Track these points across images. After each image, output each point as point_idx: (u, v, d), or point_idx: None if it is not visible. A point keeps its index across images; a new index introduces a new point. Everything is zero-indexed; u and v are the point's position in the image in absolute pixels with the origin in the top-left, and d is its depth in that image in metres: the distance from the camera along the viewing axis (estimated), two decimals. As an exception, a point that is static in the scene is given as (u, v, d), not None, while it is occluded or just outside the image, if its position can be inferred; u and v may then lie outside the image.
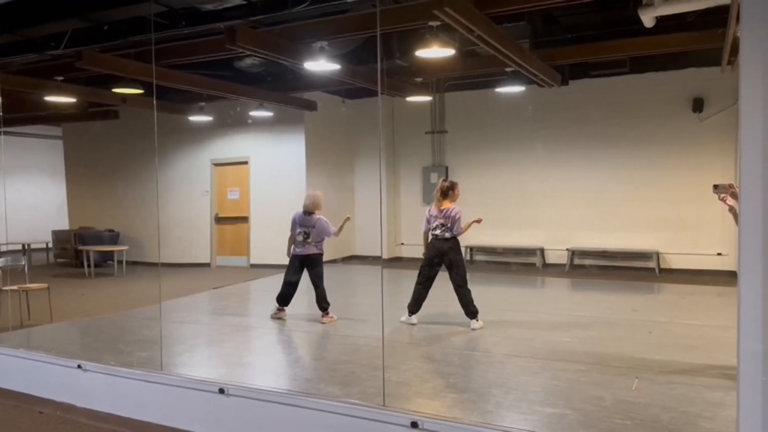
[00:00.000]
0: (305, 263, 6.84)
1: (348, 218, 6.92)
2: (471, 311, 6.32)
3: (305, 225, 6.80)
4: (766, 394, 2.52)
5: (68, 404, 4.67)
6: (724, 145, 9.50)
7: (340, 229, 6.85)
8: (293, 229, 6.87)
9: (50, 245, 13.59)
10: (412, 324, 6.48)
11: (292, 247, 6.89)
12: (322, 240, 6.86)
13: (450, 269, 6.39)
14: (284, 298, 6.94)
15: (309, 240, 6.78)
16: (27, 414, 4.53)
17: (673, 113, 10.29)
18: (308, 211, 6.82)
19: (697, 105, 10.02)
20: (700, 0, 6.19)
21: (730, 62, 8.24)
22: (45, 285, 7.37)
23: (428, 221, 6.46)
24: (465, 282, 6.36)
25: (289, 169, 11.61)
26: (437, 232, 6.39)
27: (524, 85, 9.73)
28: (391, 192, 12.62)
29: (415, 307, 6.52)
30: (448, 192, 6.43)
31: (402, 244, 12.57)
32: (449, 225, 6.33)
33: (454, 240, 6.38)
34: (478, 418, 3.92)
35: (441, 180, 6.63)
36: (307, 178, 11.51)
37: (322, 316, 6.80)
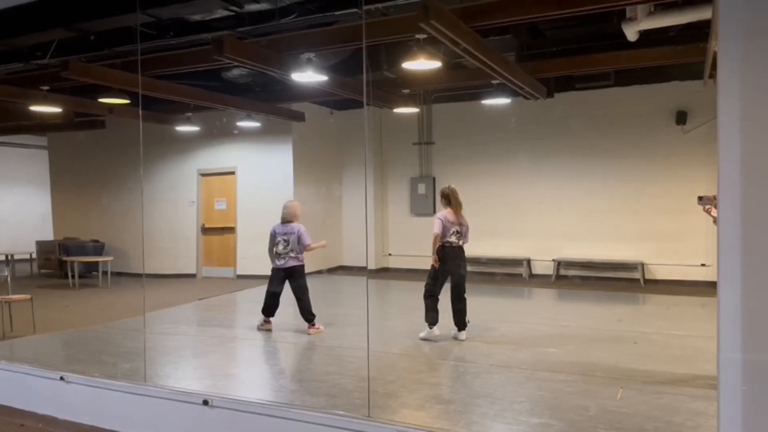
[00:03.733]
0: (287, 276, 6.84)
1: (324, 244, 6.88)
2: (464, 322, 6.33)
3: (285, 233, 6.82)
4: (746, 403, 2.55)
5: (50, 417, 4.61)
6: (707, 157, 9.61)
7: (315, 247, 6.86)
8: (272, 241, 6.89)
9: (34, 256, 13.44)
10: (436, 335, 6.33)
11: (274, 260, 6.90)
12: (302, 250, 6.86)
13: (460, 279, 6.30)
14: (269, 308, 6.92)
15: (288, 248, 6.78)
16: (8, 427, 4.46)
17: (657, 126, 10.42)
18: (287, 220, 6.86)
19: (681, 117, 10.16)
20: (682, 14, 6.30)
21: (712, 76, 8.36)
22: (28, 296, 7.30)
23: (445, 227, 6.21)
24: (464, 293, 6.38)
25: (276, 180, 11.59)
26: (452, 239, 6.25)
27: (510, 97, 9.81)
28: (378, 203, 12.64)
29: (435, 317, 6.35)
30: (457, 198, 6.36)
31: (390, 254, 12.57)
32: (464, 232, 6.34)
33: (463, 249, 6.37)
34: (463, 428, 3.92)
35: (450, 187, 6.44)
36: (295, 189, 11.49)
37: (309, 327, 6.78)
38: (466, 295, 6.34)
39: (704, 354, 5.53)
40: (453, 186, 6.43)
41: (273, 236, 6.89)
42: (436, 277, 6.30)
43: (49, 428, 4.43)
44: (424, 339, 6.32)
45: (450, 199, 6.35)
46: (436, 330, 6.38)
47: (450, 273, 6.28)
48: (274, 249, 6.85)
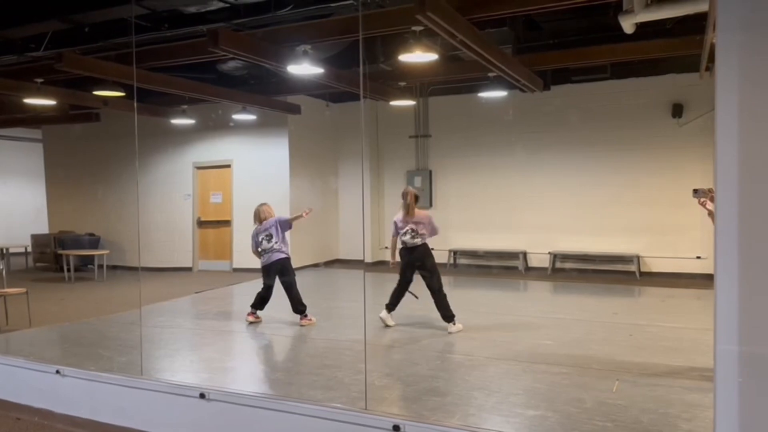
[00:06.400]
0: (276, 270, 6.86)
1: (308, 211, 6.87)
2: (449, 315, 6.35)
3: (265, 229, 6.85)
4: (743, 395, 2.56)
5: (46, 410, 4.60)
6: (703, 150, 9.64)
7: (297, 217, 6.92)
8: (255, 241, 6.91)
9: (29, 249, 13.41)
10: (385, 321, 6.55)
11: (261, 257, 6.93)
12: (286, 242, 6.88)
13: (430, 274, 6.42)
14: (262, 301, 6.94)
15: (273, 240, 6.80)
16: (4, 421, 4.46)
17: (653, 118, 10.42)
18: (263, 218, 6.90)
19: (677, 110, 10.16)
20: (679, 7, 6.27)
21: (708, 68, 8.37)
22: (24, 289, 7.28)
23: (399, 228, 6.50)
24: (441, 287, 6.42)
25: (272, 173, 11.57)
26: (406, 239, 6.43)
27: (506, 89, 9.80)
28: (375, 196, 12.62)
29: (391, 303, 6.59)
30: (417, 200, 6.57)
31: (386, 247, 12.54)
32: (420, 230, 6.42)
33: (425, 245, 6.46)
34: (460, 421, 3.93)
35: (411, 189, 6.68)
36: (291, 182, 11.48)
37: (301, 319, 6.81)
38: (452, 290, 6.43)
39: (699, 346, 5.56)
40: (409, 189, 6.66)
41: (255, 236, 6.93)
42: (402, 271, 6.54)
43: (45, 422, 4.42)
44: (383, 321, 6.56)
45: (406, 205, 6.52)
46: (389, 319, 6.56)
47: (411, 270, 6.49)
48: (259, 248, 6.88)
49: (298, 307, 6.82)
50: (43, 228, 13.71)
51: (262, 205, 7.06)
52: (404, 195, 6.57)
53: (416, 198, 6.56)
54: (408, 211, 6.47)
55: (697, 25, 6.99)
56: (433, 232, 6.48)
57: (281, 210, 7.10)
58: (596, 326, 6.74)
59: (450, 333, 6.28)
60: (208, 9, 6.41)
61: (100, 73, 8.03)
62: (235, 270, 11.61)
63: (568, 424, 3.85)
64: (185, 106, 11.19)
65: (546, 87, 10.12)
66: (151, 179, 12.54)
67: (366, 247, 11.95)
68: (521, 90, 9.75)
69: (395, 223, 6.54)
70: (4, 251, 12.82)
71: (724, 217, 2.57)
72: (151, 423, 4.19)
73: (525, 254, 11.39)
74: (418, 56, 6.77)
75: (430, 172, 12.19)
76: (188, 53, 7.55)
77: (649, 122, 10.46)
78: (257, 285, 7.07)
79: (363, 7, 6.01)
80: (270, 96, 10.72)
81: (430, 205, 11.85)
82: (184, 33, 6.89)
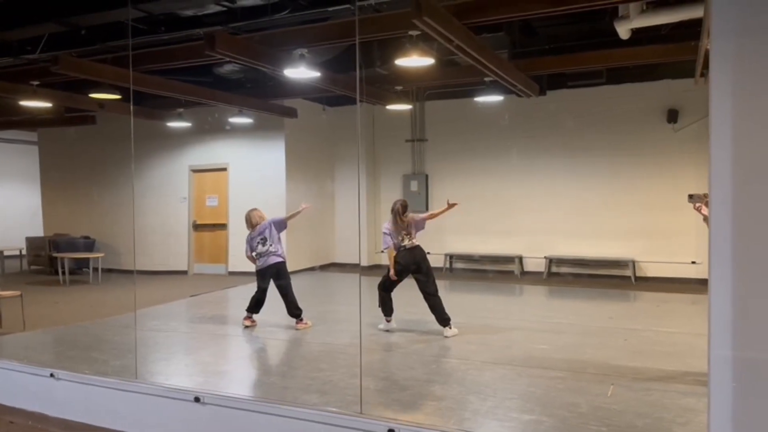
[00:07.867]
0: (271, 274, 6.85)
1: (305, 207, 6.91)
2: (444, 319, 6.36)
3: (260, 233, 6.85)
4: (737, 400, 2.57)
5: (40, 414, 4.59)
6: (698, 156, 9.67)
7: (296, 213, 6.95)
8: (250, 245, 6.91)
9: (24, 252, 13.36)
10: (393, 327, 6.57)
11: (256, 262, 6.93)
12: (281, 245, 6.89)
13: (426, 277, 6.43)
14: (258, 304, 6.93)
15: (268, 243, 6.80)
16: (-3, 424, 4.44)
17: (649, 123, 10.46)
18: (255, 223, 6.91)
19: (672, 116, 10.21)
20: (674, 13, 6.32)
21: (703, 74, 8.40)
22: (18, 292, 7.25)
23: (392, 236, 6.46)
24: (437, 290, 6.44)
25: (268, 176, 11.57)
26: (405, 242, 6.43)
27: (503, 94, 9.83)
28: (371, 199, 12.63)
29: (387, 309, 6.60)
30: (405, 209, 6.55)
31: (381, 251, 12.54)
32: (412, 232, 6.46)
33: (421, 248, 6.49)
34: (455, 425, 3.93)
35: (401, 201, 6.67)
36: (287, 185, 11.47)
37: (297, 323, 6.80)
38: (448, 294, 6.42)
39: (694, 351, 5.58)
40: (398, 203, 6.62)
41: (249, 241, 6.93)
42: (398, 273, 6.49)
43: (39, 425, 4.41)
44: (384, 330, 6.57)
45: (395, 212, 6.54)
46: (393, 323, 6.62)
47: (405, 273, 6.48)
48: (254, 252, 6.88)
49: (294, 311, 6.82)
50: (37, 231, 13.66)
51: (252, 210, 7.06)
52: (394, 210, 6.56)
53: (405, 207, 6.55)
54: (397, 221, 6.48)
55: (692, 31, 7.03)
56: (422, 225, 6.54)
57: (277, 214, 7.08)
58: (591, 331, 6.75)
59: (446, 337, 6.28)
60: (205, 12, 6.42)
61: (96, 76, 8.01)
62: (231, 273, 11.59)
63: (563, 428, 3.86)
64: (181, 109, 11.17)
65: (542, 92, 10.15)
66: (146, 182, 12.52)
67: (362, 251, 11.94)
68: (517, 95, 9.78)
69: (388, 234, 6.47)
70: (-1, 254, 12.77)
71: (718, 222, 2.58)
72: (145, 426, 4.18)
73: (521, 258, 11.41)
74: (414, 60, 6.78)
75: (426, 176, 12.21)
76: (185, 56, 7.54)
77: (644, 127, 10.50)
78: (253, 288, 7.06)
79: (360, 11, 6.03)
80: (266, 99, 10.72)
81: (426, 209, 11.87)
82: (180, 36, 6.89)
